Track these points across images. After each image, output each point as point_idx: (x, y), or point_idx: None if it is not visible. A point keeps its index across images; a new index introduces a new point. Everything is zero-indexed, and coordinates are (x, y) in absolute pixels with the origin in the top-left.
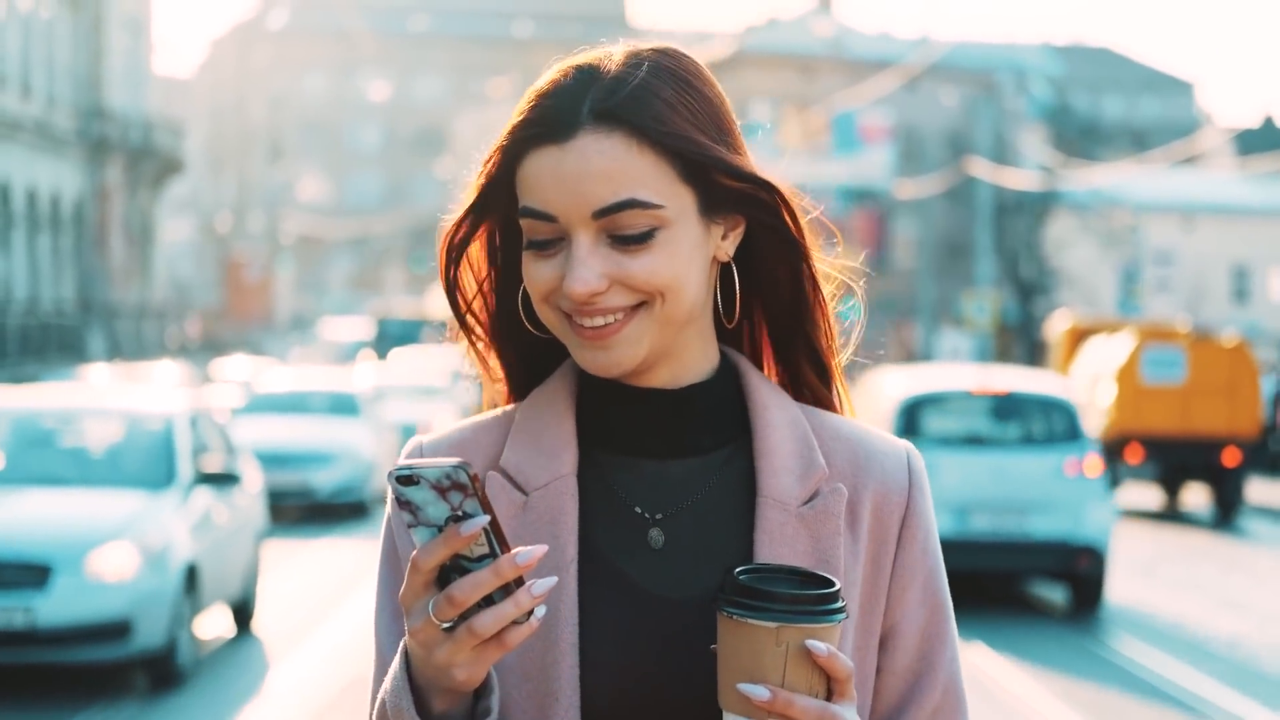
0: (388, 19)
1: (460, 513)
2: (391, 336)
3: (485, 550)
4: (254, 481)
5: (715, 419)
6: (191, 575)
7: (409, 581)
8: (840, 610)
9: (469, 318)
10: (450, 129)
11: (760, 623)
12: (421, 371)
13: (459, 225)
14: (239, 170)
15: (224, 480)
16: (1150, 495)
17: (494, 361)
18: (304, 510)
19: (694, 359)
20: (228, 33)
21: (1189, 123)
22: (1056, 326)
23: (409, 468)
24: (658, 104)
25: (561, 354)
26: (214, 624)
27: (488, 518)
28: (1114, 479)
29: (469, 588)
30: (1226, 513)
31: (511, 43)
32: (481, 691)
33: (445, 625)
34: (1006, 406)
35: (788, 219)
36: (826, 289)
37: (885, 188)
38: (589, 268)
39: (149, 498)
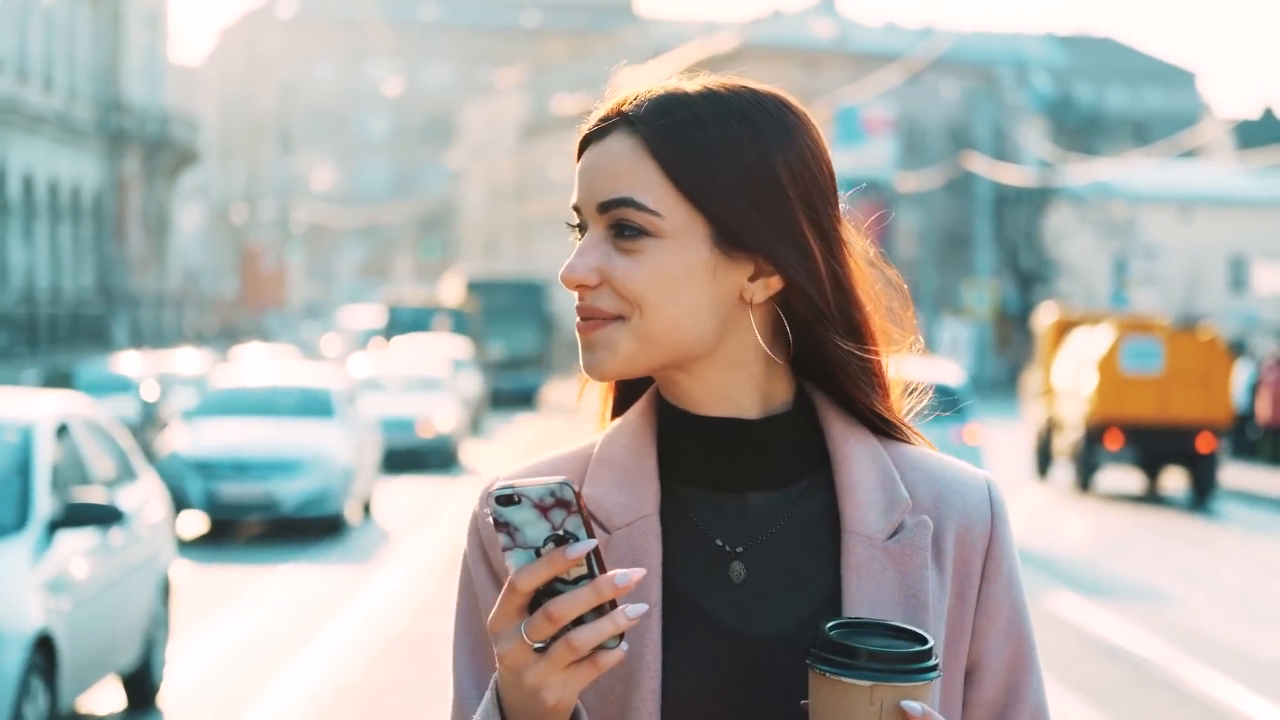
0: (397, 8)
1: (562, 531)
2: (403, 324)
3: (583, 572)
4: (155, 510)
5: (790, 451)
6: (47, 650)
7: (502, 604)
8: (934, 669)
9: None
10: (459, 118)
11: (855, 681)
12: (422, 361)
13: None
14: (249, 159)
15: (102, 515)
16: (1131, 479)
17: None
18: (266, 527)
19: (746, 391)
20: (237, 22)
21: (1191, 113)
22: (1043, 319)
23: (510, 486)
24: (688, 127)
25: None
26: (101, 703)
27: (595, 541)
28: (1092, 463)
29: (568, 604)
30: (1202, 496)
31: (520, 32)
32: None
33: (538, 645)
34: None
35: (813, 296)
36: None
37: (887, 179)
38: (583, 257)
39: None
